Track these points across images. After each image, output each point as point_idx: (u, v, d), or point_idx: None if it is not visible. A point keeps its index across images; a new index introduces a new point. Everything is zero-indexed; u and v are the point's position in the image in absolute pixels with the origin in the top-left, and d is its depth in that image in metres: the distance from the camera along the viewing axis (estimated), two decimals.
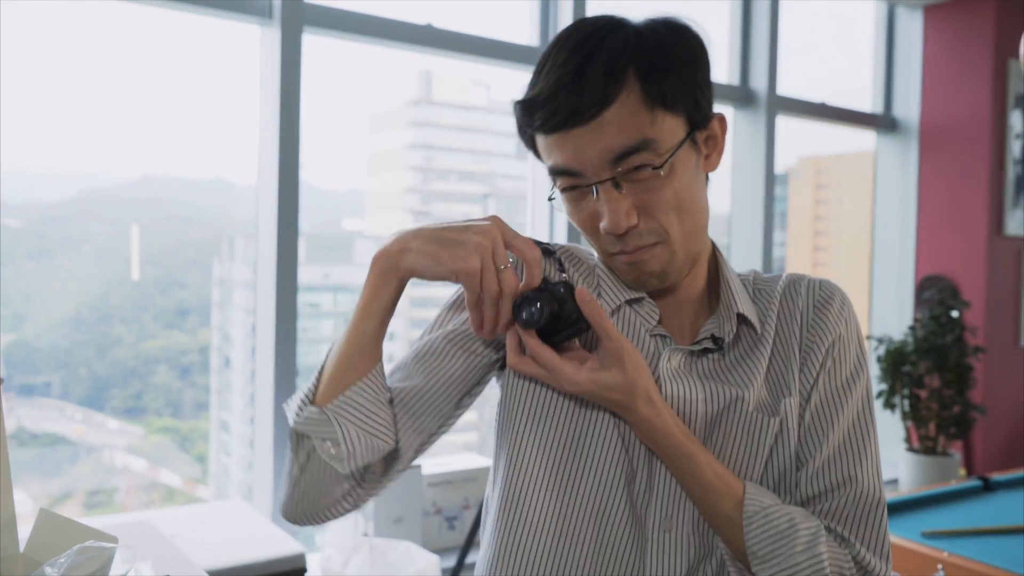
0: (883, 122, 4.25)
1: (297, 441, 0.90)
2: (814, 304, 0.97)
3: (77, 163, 2.71)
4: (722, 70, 3.70)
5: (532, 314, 0.86)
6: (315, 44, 2.60)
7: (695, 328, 0.99)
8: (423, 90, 3.73)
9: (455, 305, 1.01)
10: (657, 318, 0.97)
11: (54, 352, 2.73)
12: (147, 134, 2.71)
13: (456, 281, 0.85)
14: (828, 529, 0.92)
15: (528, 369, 0.88)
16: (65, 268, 2.82)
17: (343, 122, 3.22)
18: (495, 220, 0.86)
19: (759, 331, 0.97)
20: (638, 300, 0.98)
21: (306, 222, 2.54)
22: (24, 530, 0.91)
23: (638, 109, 0.85)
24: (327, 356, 0.91)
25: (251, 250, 2.65)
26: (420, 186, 3.66)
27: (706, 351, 0.97)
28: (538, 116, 0.87)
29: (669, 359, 0.95)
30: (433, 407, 0.95)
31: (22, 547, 0.90)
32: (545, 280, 0.88)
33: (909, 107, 4.24)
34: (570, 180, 0.90)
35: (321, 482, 0.89)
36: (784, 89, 3.70)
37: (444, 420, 0.97)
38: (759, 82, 3.63)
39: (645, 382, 0.88)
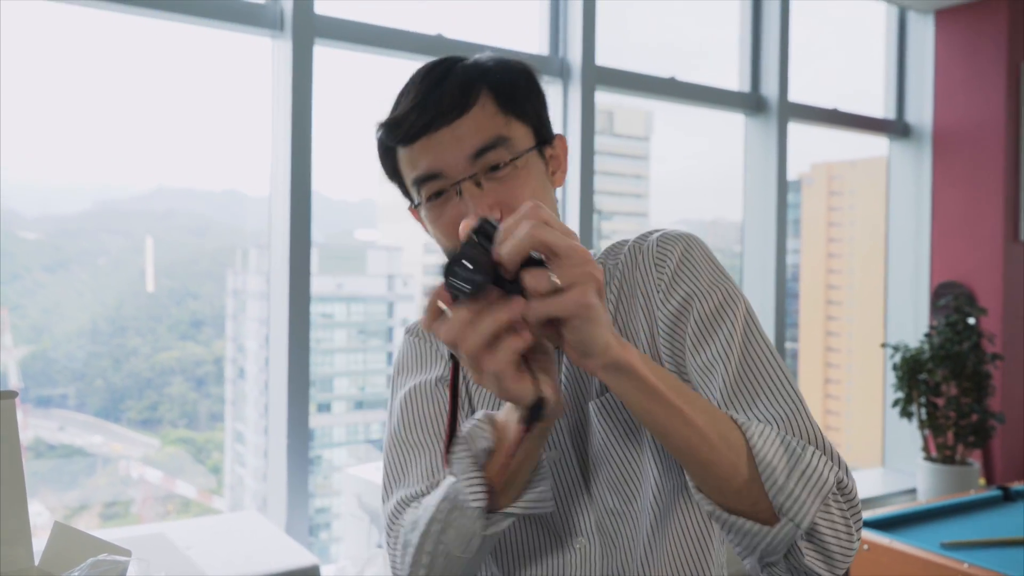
0: (895, 128, 4.23)
1: None
2: (655, 265, 0.95)
3: (92, 176, 2.73)
4: (732, 77, 3.69)
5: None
6: (326, 55, 2.61)
7: None
8: None
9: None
10: None
11: (71, 364, 2.74)
12: (161, 147, 2.73)
13: None
14: None
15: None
16: (81, 280, 2.84)
17: (354, 132, 3.23)
18: None
19: None
20: None
21: (319, 233, 2.55)
22: (40, 543, 0.92)
23: (494, 113, 0.94)
24: None
25: (264, 261, 2.66)
26: None
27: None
28: (403, 128, 0.94)
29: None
30: None
31: (37, 560, 0.90)
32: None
33: (922, 112, 4.22)
34: (435, 185, 0.94)
35: None
36: (795, 95, 3.69)
37: None
38: (770, 89, 3.62)
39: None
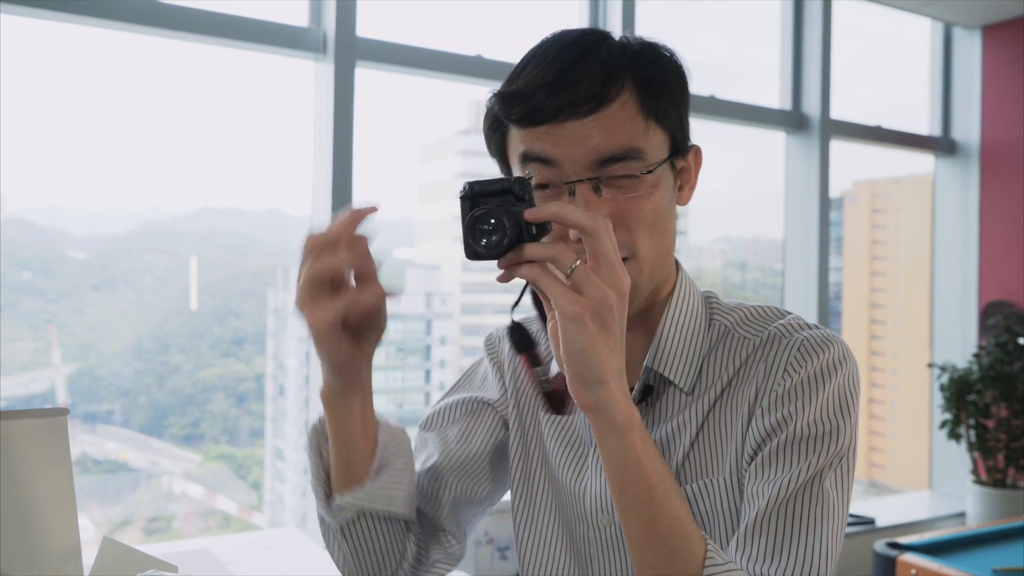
0: (942, 145, 4.16)
1: None
2: (786, 368, 0.81)
3: (138, 197, 2.79)
4: (774, 95, 3.66)
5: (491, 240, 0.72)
6: (367, 77, 2.65)
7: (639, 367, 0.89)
8: (473, 120, 3.76)
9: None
10: None
11: (116, 380, 2.79)
12: (205, 168, 2.78)
13: None
14: None
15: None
16: (127, 299, 2.90)
17: (394, 152, 3.26)
18: None
19: (688, 390, 0.85)
20: None
21: None
22: (88, 556, 0.93)
23: (634, 115, 0.81)
24: None
25: None
26: None
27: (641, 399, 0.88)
28: (524, 107, 0.80)
29: None
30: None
31: (86, 574, 0.91)
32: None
33: (969, 129, 4.14)
34: (545, 174, 0.82)
35: None
36: (838, 112, 3.65)
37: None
38: (812, 106, 3.58)
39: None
